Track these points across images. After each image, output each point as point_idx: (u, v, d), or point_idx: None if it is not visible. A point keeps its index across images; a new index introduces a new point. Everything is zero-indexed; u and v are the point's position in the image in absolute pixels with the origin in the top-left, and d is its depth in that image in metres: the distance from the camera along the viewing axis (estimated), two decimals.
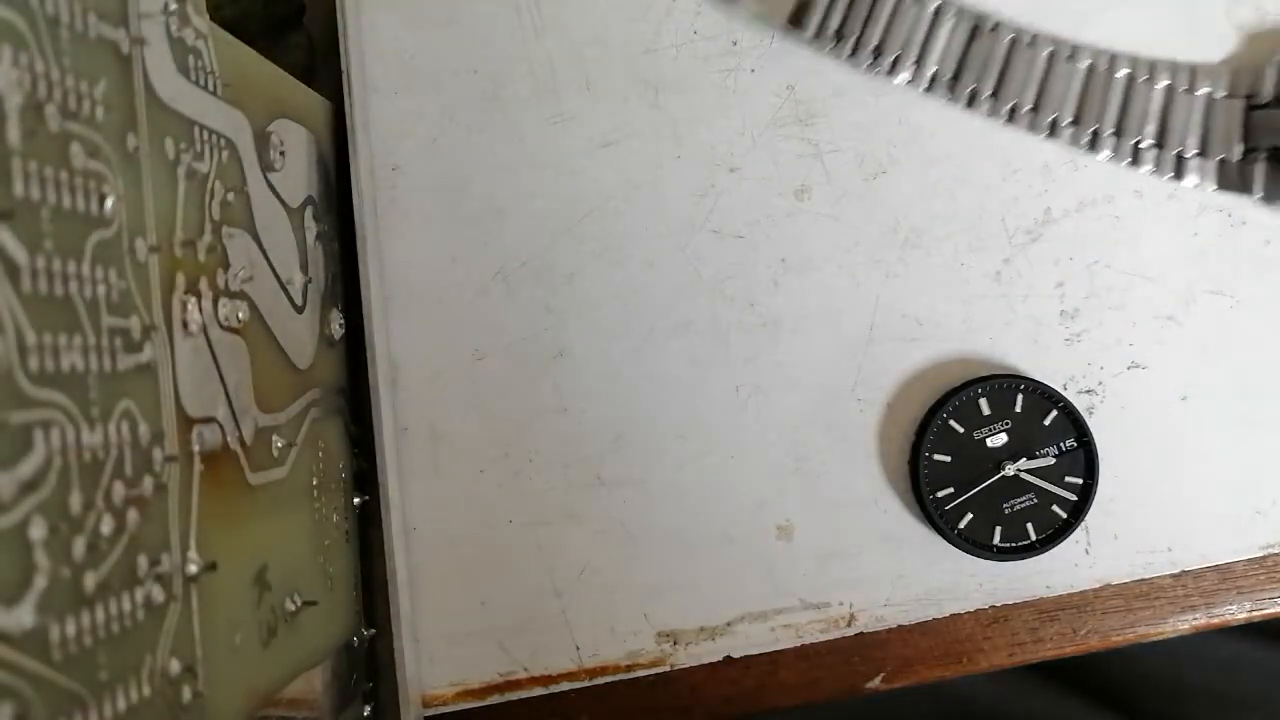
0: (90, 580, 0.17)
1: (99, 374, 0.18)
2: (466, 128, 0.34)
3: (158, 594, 0.19)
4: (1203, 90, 0.32)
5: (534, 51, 0.34)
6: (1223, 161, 0.32)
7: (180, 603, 0.20)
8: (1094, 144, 0.33)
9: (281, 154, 0.26)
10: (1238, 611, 0.33)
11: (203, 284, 0.22)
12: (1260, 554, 0.33)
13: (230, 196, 0.24)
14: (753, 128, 0.34)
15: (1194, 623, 0.33)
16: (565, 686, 0.34)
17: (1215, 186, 0.33)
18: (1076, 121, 0.33)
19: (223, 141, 0.23)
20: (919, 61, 0.33)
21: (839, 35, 0.33)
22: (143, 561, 0.18)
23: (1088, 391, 0.33)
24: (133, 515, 0.18)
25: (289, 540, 0.26)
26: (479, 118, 0.34)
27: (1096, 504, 0.32)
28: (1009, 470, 0.32)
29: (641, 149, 0.33)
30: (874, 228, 0.33)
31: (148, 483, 0.19)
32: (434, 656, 0.33)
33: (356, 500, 0.31)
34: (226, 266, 0.23)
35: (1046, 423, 0.32)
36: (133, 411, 0.18)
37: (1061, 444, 0.32)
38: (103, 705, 0.17)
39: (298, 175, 0.28)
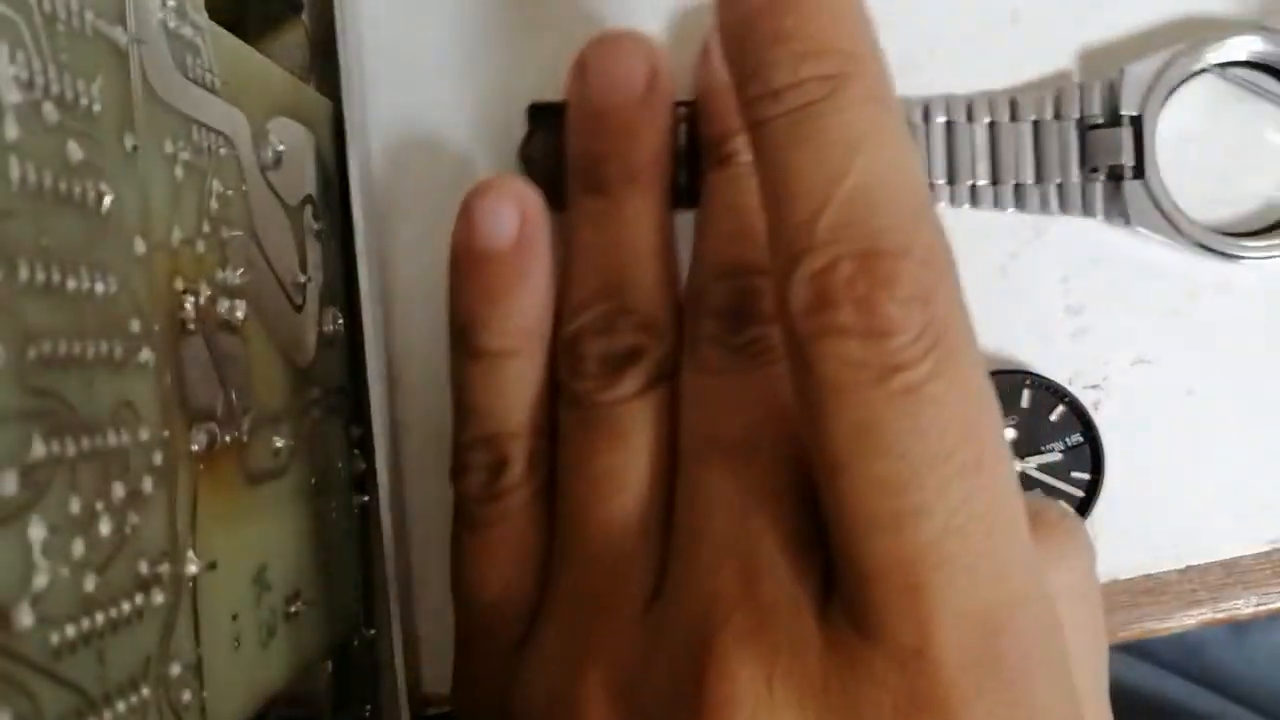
0: (90, 580, 0.17)
1: (98, 374, 0.17)
2: (466, 127, 0.33)
3: (157, 594, 0.19)
4: (1028, 118, 0.32)
5: (535, 49, 0.33)
6: (1060, 185, 0.32)
7: (180, 603, 0.20)
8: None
9: (280, 152, 0.26)
10: (1244, 606, 0.33)
11: (201, 283, 0.22)
12: (1267, 549, 0.33)
13: (229, 195, 0.23)
14: None
15: (1200, 618, 0.33)
16: None
17: (1058, 210, 0.32)
18: None
19: (221, 139, 0.23)
20: None
21: None
22: (143, 562, 0.18)
23: (1094, 386, 0.33)
24: (133, 515, 0.18)
25: (289, 540, 0.26)
26: (479, 116, 0.33)
27: (1103, 500, 0.32)
28: (1015, 466, 0.32)
29: None
30: None
31: (148, 483, 0.19)
32: (434, 656, 0.33)
33: (356, 500, 0.31)
34: (225, 265, 0.23)
35: (1053, 418, 0.32)
36: (133, 411, 0.18)
37: (1067, 439, 0.32)
38: (103, 705, 0.17)
39: (297, 173, 0.28)
